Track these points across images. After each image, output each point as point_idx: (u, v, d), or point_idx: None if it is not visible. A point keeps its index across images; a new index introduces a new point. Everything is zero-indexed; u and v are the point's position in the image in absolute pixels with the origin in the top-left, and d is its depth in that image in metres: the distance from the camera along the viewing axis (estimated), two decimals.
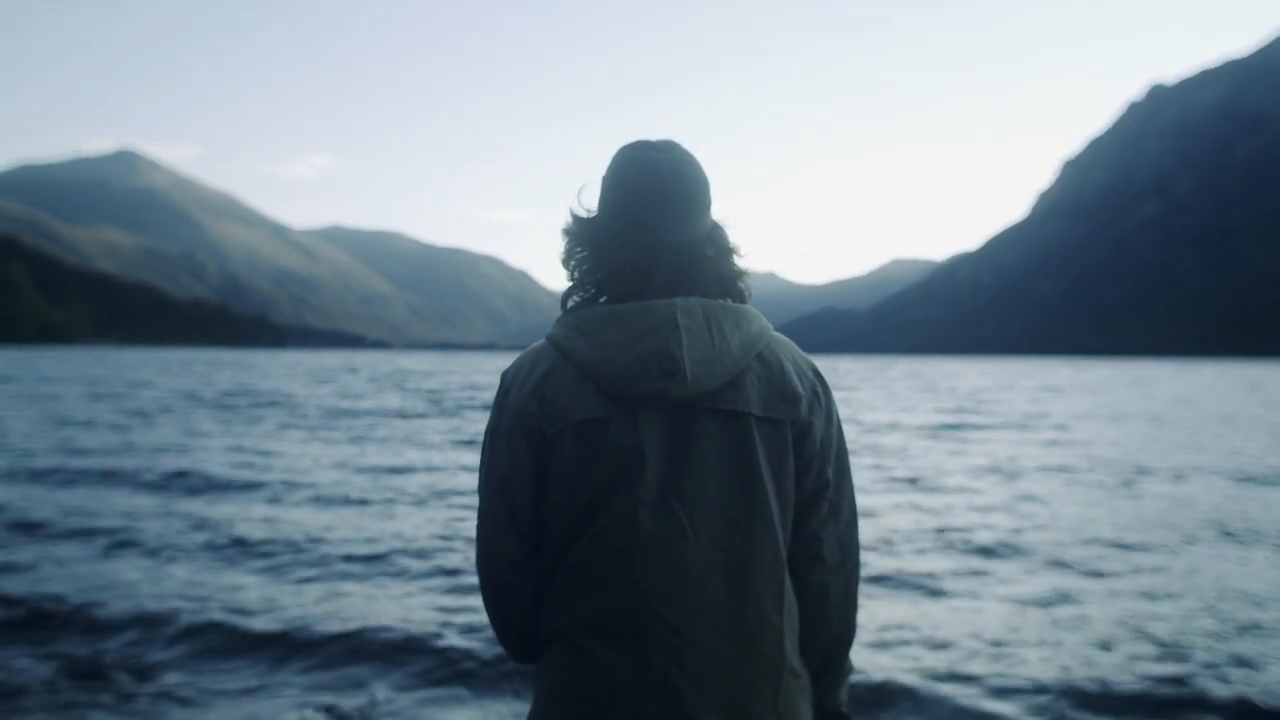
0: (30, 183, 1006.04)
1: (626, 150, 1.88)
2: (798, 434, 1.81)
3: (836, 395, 1.73)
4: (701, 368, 1.73)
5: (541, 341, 1.88)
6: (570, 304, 1.90)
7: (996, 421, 30.04)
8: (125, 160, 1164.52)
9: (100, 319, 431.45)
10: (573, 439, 1.75)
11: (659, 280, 1.82)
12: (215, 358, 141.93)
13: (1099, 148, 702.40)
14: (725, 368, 1.75)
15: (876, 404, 39.84)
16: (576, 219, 1.90)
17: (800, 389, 1.83)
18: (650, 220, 1.81)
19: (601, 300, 1.86)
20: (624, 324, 1.76)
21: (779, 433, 1.79)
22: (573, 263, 1.89)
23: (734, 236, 1.92)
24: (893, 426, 27.53)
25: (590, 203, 1.91)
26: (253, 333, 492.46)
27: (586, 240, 1.88)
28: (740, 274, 1.91)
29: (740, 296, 1.91)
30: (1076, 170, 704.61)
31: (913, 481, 15.46)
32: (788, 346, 1.89)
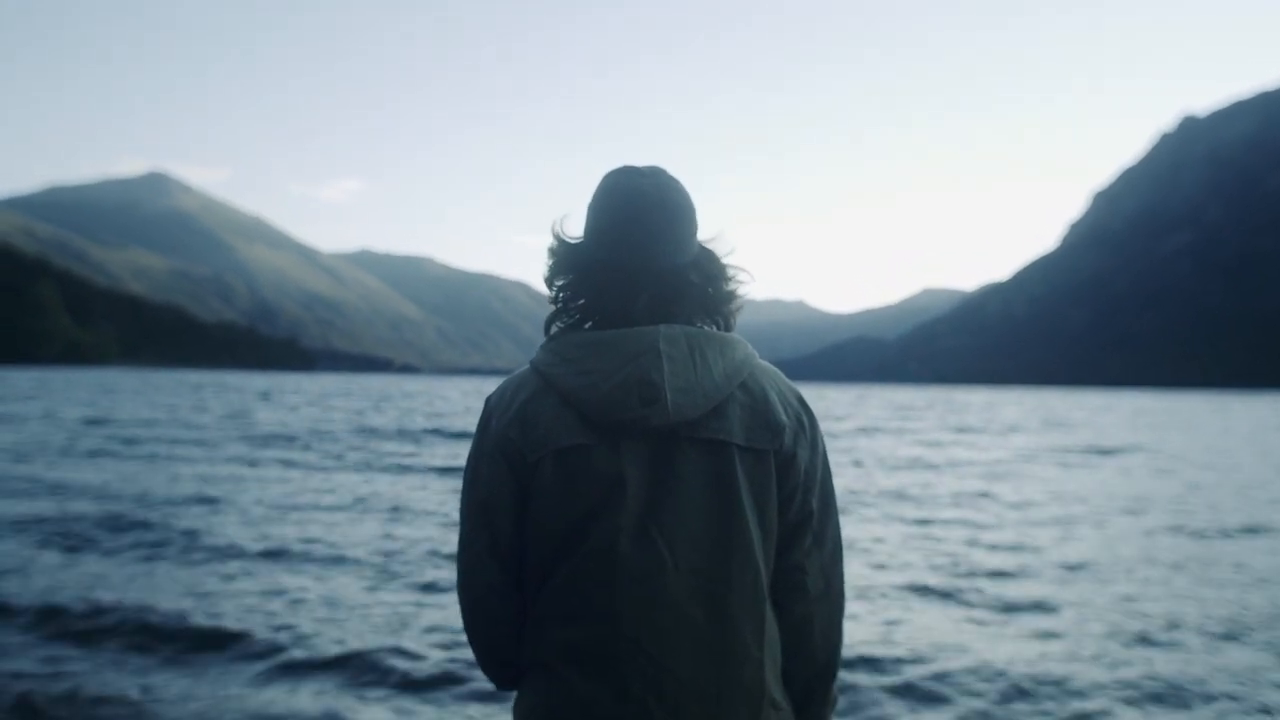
0: (61, 204, 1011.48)
1: (611, 176, 1.86)
2: (781, 464, 1.79)
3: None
4: (683, 396, 1.71)
5: (525, 367, 1.86)
6: (554, 330, 1.87)
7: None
8: (156, 182, 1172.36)
9: (129, 340, 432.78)
10: (553, 466, 1.74)
11: (642, 306, 1.80)
12: (240, 382, 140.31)
13: (1130, 178, 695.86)
14: (707, 396, 1.73)
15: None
16: (561, 243, 1.87)
17: (784, 418, 1.80)
18: (634, 246, 1.79)
19: (586, 326, 1.84)
20: (606, 351, 1.74)
21: (762, 462, 1.77)
22: (556, 286, 1.87)
23: (725, 259, 1.90)
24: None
25: (576, 230, 1.88)
26: (281, 356, 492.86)
27: (571, 266, 1.85)
28: (727, 299, 1.89)
29: (726, 322, 1.89)
30: (1107, 201, 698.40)
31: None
32: (773, 375, 1.87)
